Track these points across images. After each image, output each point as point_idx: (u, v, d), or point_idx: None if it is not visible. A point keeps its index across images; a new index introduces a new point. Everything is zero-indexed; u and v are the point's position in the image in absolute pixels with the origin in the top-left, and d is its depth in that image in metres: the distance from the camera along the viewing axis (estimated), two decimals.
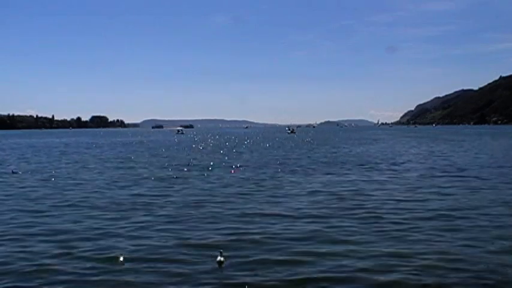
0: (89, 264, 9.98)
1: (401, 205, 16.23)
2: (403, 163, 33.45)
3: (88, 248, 11.15)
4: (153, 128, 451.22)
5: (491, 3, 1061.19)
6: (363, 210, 15.35)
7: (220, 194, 19.17)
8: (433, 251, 10.63)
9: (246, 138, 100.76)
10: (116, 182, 23.98)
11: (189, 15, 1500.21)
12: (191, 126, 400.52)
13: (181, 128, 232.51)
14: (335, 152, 47.75)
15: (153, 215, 15.11)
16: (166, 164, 34.64)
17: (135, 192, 20.15)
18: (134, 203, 17.32)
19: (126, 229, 13.07)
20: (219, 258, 9.89)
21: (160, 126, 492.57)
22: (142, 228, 13.20)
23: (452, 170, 28.05)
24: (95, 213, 15.48)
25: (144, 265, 9.91)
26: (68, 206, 16.92)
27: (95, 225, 13.54)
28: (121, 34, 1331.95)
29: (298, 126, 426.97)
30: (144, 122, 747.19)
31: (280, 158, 39.84)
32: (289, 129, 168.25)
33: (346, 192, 19.22)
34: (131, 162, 37.31)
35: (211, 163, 33.86)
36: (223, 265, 9.78)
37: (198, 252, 10.75)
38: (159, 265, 9.94)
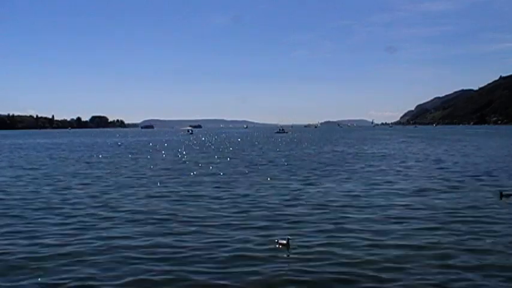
0: None
1: None
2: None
3: None
4: (142, 128, 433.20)
5: (491, 3, 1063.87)
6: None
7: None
8: None
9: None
10: None
11: (189, 15, 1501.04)
12: (199, 126, 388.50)
13: (190, 128, 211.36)
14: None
15: None
16: None
17: None
18: None
19: None
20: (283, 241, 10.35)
21: (151, 126, 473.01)
22: None
23: None
24: None
25: None
26: None
27: None
28: (121, 34, 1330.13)
29: (306, 125, 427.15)
30: (144, 122, 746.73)
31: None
32: (281, 129, 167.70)
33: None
34: None
35: None
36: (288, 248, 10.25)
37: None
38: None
